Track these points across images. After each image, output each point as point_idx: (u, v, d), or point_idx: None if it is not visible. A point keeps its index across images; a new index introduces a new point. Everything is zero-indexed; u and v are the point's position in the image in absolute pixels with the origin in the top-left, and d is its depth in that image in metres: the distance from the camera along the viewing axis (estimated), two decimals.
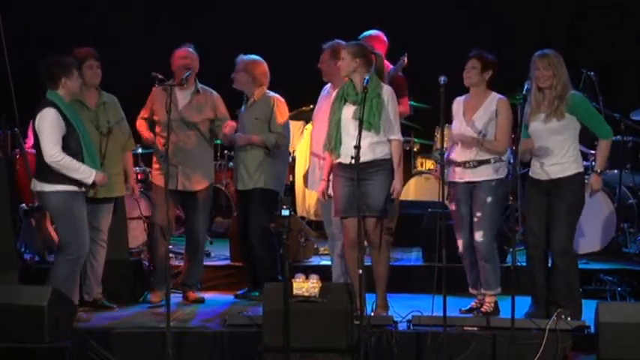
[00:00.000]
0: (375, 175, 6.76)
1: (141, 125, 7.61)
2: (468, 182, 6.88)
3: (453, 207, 7.00)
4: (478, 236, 6.85)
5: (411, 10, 10.82)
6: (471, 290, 7.09)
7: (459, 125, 6.93)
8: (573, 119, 6.65)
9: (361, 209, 6.56)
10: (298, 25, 10.68)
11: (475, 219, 6.88)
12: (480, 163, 6.84)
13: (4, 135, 8.22)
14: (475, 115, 6.88)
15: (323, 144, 6.94)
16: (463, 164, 6.88)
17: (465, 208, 6.91)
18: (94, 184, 6.64)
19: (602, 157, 6.75)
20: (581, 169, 6.75)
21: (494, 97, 6.92)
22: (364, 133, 6.52)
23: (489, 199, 6.83)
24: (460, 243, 6.96)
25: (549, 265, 6.81)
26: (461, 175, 6.89)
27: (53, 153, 6.51)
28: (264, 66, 7.67)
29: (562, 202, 6.64)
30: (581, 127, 6.72)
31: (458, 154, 6.91)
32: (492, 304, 6.96)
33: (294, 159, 9.49)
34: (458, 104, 6.99)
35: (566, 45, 10.38)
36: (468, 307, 7.06)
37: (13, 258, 7.26)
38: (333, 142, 6.81)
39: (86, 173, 6.59)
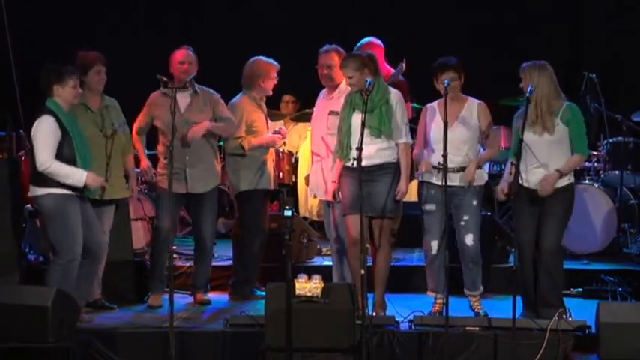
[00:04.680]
0: (383, 177, 6.82)
1: (138, 147, 7.52)
2: (449, 186, 6.62)
3: (430, 208, 6.90)
4: (468, 240, 6.85)
5: (413, 11, 10.84)
6: (429, 293, 6.96)
7: (439, 131, 6.65)
8: (567, 130, 6.63)
9: (367, 209, 6.58)
10: (303, 29, 10.70)
11: (462, 222, 6.85)
12: (462, 169, 6.82)
13: (9, 137, 8.24)
14: (457, 121, 6.80)
15: (334, 150, 6.98)
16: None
17: (442, 211, 6.75)
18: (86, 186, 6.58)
19: (570, 166, 6.66)
20: (572, 180, 6.76)
21: (473, 101, 6.89)
22: (373, 139, 6.66)
23: (475, 203, 6.85)
24: (434, 244, 6.85)
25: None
26: (440, 178, 6.65)
27: (43, 161, 6.50)
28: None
29: (553, 210, 6.65)
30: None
31: (437, 159, 6.68)
32: (481, 304, 6.98)
33: (296, 160, 9.51)
34: (432, 110, 6.92)
35: (568, 47, 10.43)
36: (432, 311, 6.87)
37: (15, 259, 7.27)
38: (345, 150, 6.84)
39: (77, 176, 6.54)
